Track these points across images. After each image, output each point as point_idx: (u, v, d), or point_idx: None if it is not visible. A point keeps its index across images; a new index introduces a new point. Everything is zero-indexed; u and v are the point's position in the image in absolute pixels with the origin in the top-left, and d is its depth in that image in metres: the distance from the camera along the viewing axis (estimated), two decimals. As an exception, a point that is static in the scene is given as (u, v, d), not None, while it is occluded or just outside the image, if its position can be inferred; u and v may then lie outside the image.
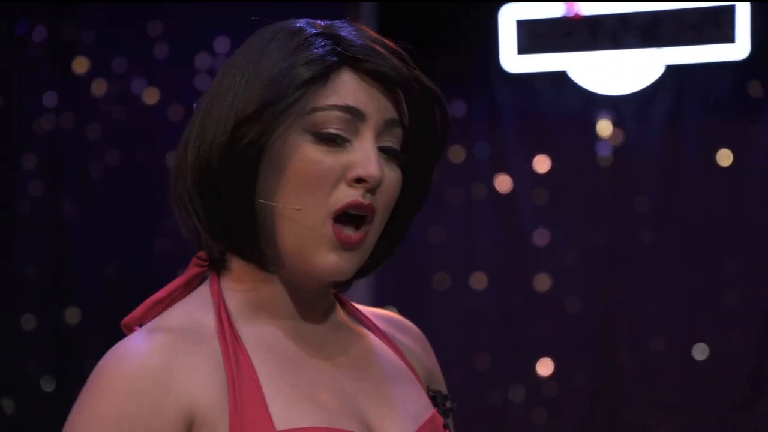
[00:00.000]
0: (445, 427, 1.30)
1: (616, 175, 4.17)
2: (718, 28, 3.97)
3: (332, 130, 1.18)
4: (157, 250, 4.26)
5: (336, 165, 1.18)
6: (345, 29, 1.21)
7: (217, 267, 1.26)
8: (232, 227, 1.20)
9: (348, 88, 1.19)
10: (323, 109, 1.17)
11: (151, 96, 4.34)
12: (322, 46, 1.18)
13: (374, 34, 1.22)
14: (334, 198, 1.18)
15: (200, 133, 1.21)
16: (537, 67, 4.11)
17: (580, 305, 4.19)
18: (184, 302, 1.25)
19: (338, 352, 1.28)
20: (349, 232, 1.19)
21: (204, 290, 1.26)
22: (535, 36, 4.04)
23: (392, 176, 1.21)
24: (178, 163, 1.24)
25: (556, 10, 4.05)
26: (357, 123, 1.19)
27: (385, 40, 1.22)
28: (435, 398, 1.34)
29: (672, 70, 4.07)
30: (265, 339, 1.23)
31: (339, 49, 1.19)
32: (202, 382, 1.16)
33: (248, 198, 1.18)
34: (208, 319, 1.22)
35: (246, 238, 1.20)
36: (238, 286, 1.25)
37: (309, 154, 1.17)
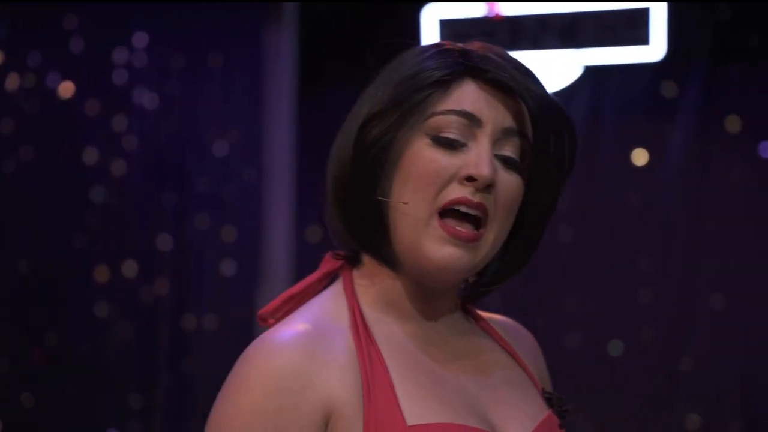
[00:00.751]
0: (561, 427, 1.35)
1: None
2: (634, 30, 4.05)
3: (449, 134, 1.24)
4: (73, 246, 4.20)
5: (450, 165, 1.23)
6: (479, 48, 1.28)
7: (351, 264, 1.31)
8: (361, 224, 1.26)
9: (467, 95, 1.25)
10: (442, 113, 1.24)
11: (66, 90, 4.27)
12: (448, 57, 1.26)
13: (510, 56, 1.28)
14: (444, 194, 1.23)
15: (339, 138, 1.29)
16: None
17: (499, 301, 4.24)
18: (320, 298, 1.30)
19: (462, 354, 1.32)
20: (459, 229, 1.23)
21: (338, 287, 1.31)
22: (457, 35, 4.07)
23: (510, 181, 1.26)
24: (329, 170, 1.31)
25: (478, 11, 4.09)
26: (474, 128, 1.25)
27: (519, 61, 1.28)
28: (550, 400, 1.38)
29: (590, 71, 4.13)
30: (394, 336, 1.28)
31: (462, 60, 1.26)
32: (339, 377, 1.21)
33: (371, 195, 1.25)
34: (342, 314, 1.27)
35: (370, 235, 1.26)
36: (369, 282, 1.30)
37: (426, 153, 1.23)
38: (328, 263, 1.33)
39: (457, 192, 1.23)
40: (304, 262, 4.27)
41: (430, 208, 1.23)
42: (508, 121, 1.26)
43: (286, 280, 4.29)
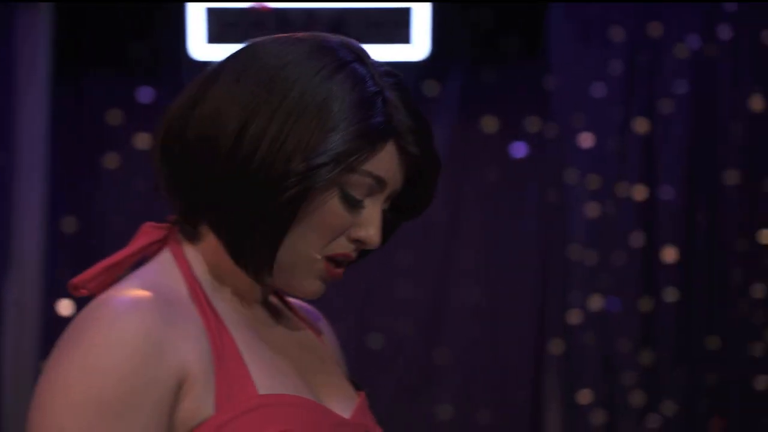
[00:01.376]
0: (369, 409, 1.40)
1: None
2: (398, 28, 4.11)
3: (357, 195, 1.27)
4: None
5: (347, 223, 1.27)
6: (392, 88, 1.27)
7: (183, 235, 1.29)
8: (248, 236, 1.24)
9: (387, 162, 1.27)
10: (361, 173, 1.25)
11: None
12: (381, 114, 1.25)
13: (413, 103, 1.29)
14: (334, 245, 1.27)
15: (234, 140, 1.23)
16: (226, 55, 4.06)
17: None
18: (147, 267, 1.27)
19: (286, 334, 1.36)
20: (336, 270, 1.29)
21: (165, 256, 1.28)
22: (224, 25, 4.02)
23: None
24: (179, 131, 1.25)
25: (245, 1, 4.05)
26: (375, 189, 1.28)
27: (419, 111, 1.29)
28: (354, 384, 1.42)
29: (356, 67, 4.15)
30: (230, 309, 1.28)
31: (393, 123, 1.26)
32: (192, 345, 1.19)
33: (284, 230, 1.24)
34: (178, 284, 1.25)
35: (262, 258, 1.25)
36: (203, 256, 1.29)
37: (333, 206, 1.25)
38: (147, 234, 1.30)
39: (343, 247, 1.28)
40: (56, 252, 4.12)
41: (321, 252, 1.27)
42: (399, 183, 1.30)
43: (36, 271, 4.12)
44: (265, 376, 1.23)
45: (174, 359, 1.17)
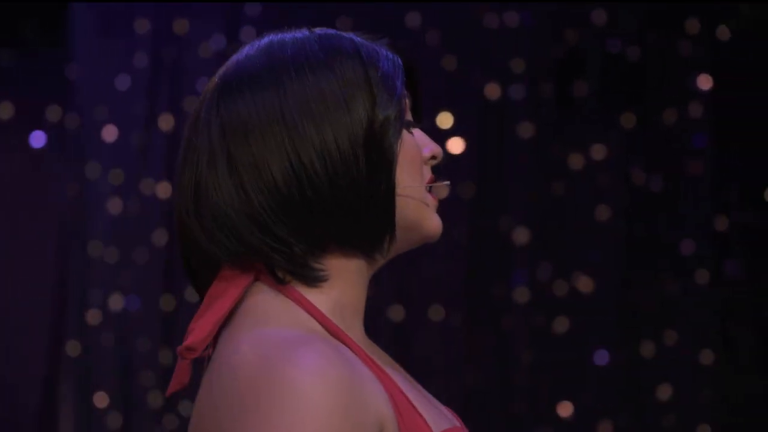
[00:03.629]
0: None
1: None
2: None
3: (410, 118, 1.29)
4: None
5: (419, 148, 1.28)
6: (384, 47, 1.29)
7: (308, 278, 1.21)
8: (368, 224, 1.21)
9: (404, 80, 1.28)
10: (406, 97, 1.27)
11: None
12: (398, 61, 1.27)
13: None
14: (424, 174, 1.28)
15: (299, 143, 1.19)
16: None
17: None
18: (264, 312, 1.18)
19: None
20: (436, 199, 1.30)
21: (276, 298, 1.20)
22: None
23: None
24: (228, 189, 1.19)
25: None
26: (409, 106, 1.30)
27: None
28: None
29: None
30: (368, 349, 1.22)
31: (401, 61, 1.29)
32: (377, 389, 1.13)
33: (392, 189, 1.22)
34: (312, 325, 1.18)
35: (387, 228, 1.22)
36: (326, 290, 1.22)
37: (410, 139, 1.26)
38: (232, 281, 1.20)
39: (428, 172, 1.29)
40: None
41: (425, 187, 1.27)
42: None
43: None
44: (427, 413, 1.19)
45: (372, 407, 1.11)
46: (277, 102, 1.19)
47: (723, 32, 3.97)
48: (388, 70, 1.23)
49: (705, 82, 4.01)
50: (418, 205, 1.26)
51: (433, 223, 1.27)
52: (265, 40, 1.24)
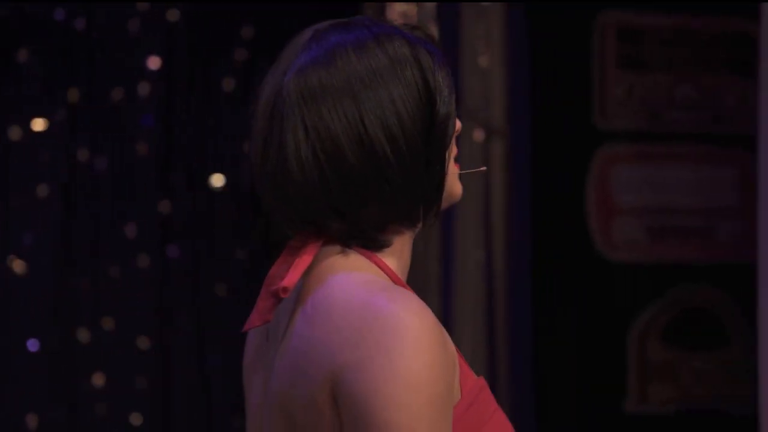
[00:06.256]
0: None
1: None
2: None
3: None
4: None
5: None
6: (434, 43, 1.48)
7: (373, 247, 1.41)
8: (424, 201, 1.42)
9: None
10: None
11: None
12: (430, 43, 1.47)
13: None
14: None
15: (388, 124, 1.38)
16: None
17: None
18: (354, 263, 1.39)
19: None
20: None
21: (356, 259, 1.39)
22: None
23: None
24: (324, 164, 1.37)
25: None
26: None
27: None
28: None
29: None
30: None
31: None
32: (448, 335, 1.34)
33: (445, 173, 1.44)
34: (387, 278, 1.39)
35: (437, 204, 1.44)
36: (387, 253, 1.41)
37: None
38: (306, 243, 1.39)
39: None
40: None
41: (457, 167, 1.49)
42: None
43: None
44: (465, 360, 1.38)
45: (450, 347, 1.33)
46: (357, 112, 1.37)
47: (173, 14, 3.88)
48: (443, 71, 1.43)
49: (154, 62, 3.90)
50: (455, 180, 1.47)
51: (460, 189, 1.48)
52: (332, 41, 1.40)
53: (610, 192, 3.87)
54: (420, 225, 1.43)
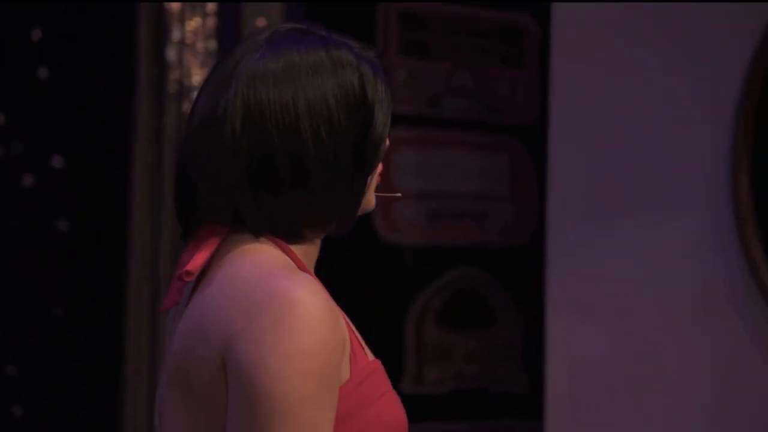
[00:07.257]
0: None
1: None
2: None
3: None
4: None
5: None
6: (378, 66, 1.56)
7: (286, 238, 1.50)
8: (348, 205, 1.50)
9: None
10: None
11: None
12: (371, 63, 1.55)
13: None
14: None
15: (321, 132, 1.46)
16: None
17: None
18: (267, 254, 1.46)
19: None
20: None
21: (256, 241, 1.47)
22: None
23: None
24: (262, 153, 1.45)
25: None
26: None
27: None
28: None
29: None
30: None
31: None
32: (341, 316, 1.45)
33: (366, 186, 1.52)
34: (292, 266, 1.47)
35: (354, 214, 1.52)
36: (303, 245, 1.51)
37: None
38: (214, 233, 1.46)
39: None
40: None
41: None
42: None
43: None
44: (361, 344, 1.48)
45: (341, 330, 1.40)
46: (291, 91, 1.45)
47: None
48: (384, 90, 1.52)
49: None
50: (371, 193, 1.54)
51: (374, 203, 1.55)
52: (283, 46, 1.48)
53: (391, 175, 3.91)
54: (332, 227, 1.51)
